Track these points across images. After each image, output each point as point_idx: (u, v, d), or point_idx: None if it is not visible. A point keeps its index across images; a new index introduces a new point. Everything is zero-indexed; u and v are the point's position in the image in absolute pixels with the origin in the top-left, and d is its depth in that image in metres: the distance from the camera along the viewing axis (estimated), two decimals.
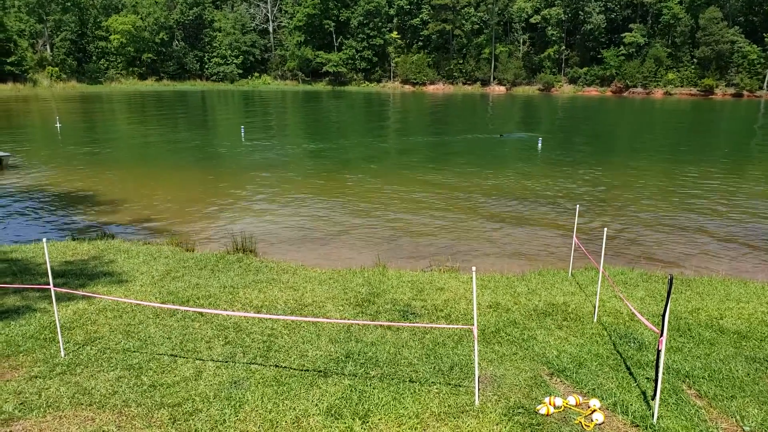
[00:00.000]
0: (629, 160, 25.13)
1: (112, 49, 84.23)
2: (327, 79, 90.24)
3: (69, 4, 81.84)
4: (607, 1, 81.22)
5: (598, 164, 23.53)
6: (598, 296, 7.48)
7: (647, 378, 5.72)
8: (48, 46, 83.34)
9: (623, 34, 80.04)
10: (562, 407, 5.16)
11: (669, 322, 6.64)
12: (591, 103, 64.80)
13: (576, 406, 5.21)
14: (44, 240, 6.38)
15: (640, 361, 6.10)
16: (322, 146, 28.84)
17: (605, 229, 7.61)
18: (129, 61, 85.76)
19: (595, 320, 7.23)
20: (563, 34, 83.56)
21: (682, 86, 78.29)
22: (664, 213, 15.46)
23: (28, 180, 19.16)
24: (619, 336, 6.75)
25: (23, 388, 5.39)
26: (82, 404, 5.16)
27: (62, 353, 6.06)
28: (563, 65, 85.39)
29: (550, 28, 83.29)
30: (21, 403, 5.14)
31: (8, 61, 71.47)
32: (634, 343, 6.55)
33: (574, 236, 9.04)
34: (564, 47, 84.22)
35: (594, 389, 5.51)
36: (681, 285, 8.77)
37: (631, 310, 7.39)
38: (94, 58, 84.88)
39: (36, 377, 5.60)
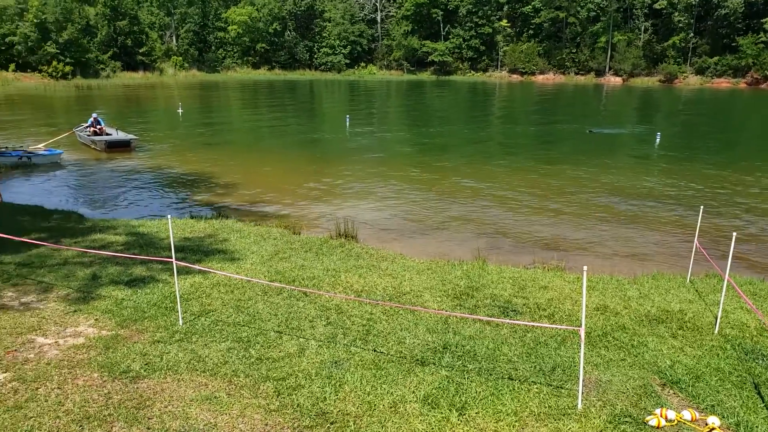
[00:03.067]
0: (762, 159, 22.87)
1: (230, 40, 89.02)
2: (432, 68, 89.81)
3: None
4: None
5: (726, 163, 21.59)
6: (721, 306, 6.86)
7: None
8: (174, 37, 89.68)
9: (764, 20, 72.34)
10: (675, 421, 4.81)
11: None
12: (721, 96, 59.65)
13: (691, 421, 4.83)
14: (169, 217, 6.87)
15: None
16: (425, 137, 28.82)
17: (734, 233, 6.95)
18: (244, 50, 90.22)
19: (716, 332, 6.67)
20: (692, 20, 77.05)
21: None
22: None
23: (153, 161, 20.78)
24: (744, 351, 6.18)
25: (148, 351, 5.88)
26: (197, 370, 5.53)
27: (180, 322, 6.52)
28: (690, 54, 78.78)
29: (677, 13, 76.89)
30: (146, 364, 5.62)
31: (140, 51, 77.72)
32: (763, 360, 5.96)
33: (696, 239, 8.38)
34: (692, 35, 77.66)
35: (713, 405, 5.09)
36: None
37: (762, 322, 6.75)
38: (213, 48, 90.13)
39: (158, 342, 6.09)
